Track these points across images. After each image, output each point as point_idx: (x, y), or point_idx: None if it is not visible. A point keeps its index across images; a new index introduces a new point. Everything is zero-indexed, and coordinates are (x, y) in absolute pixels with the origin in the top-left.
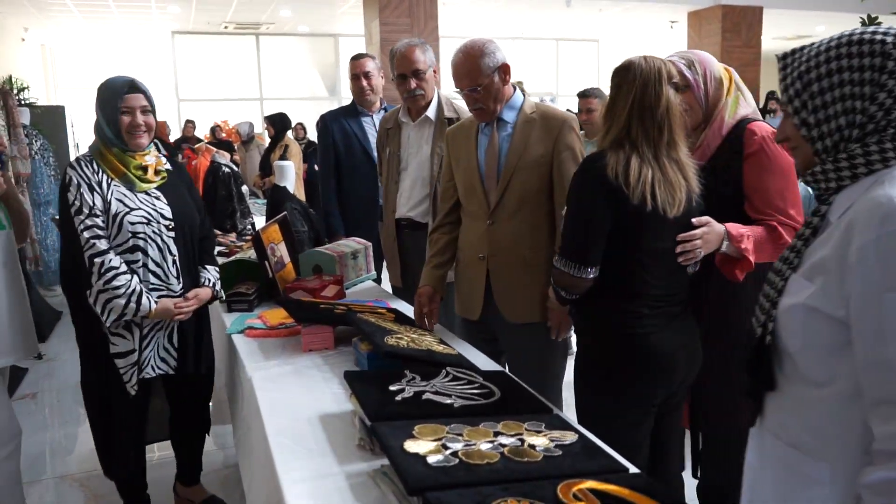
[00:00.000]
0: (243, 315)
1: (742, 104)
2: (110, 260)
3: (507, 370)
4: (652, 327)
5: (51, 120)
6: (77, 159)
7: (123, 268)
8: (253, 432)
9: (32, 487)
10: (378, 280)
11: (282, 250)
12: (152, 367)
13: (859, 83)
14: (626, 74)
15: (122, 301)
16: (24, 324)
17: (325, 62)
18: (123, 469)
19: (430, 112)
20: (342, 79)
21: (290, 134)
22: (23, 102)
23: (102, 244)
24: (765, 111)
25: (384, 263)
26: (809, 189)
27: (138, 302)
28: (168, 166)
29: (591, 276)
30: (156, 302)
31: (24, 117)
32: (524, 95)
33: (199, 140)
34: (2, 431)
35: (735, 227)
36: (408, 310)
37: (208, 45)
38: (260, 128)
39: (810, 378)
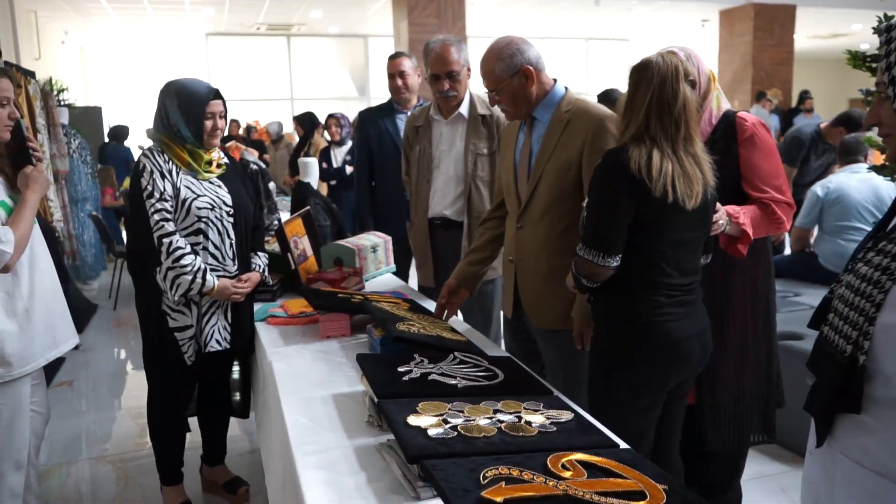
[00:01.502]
0: (266, 304)
1: (722, 98)
2: (177, 240)
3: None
4: (670, 316)
5: (88, 120)
6: (149, 149)
7: (188, 248)
8: (271, 411)
9: (71, 467)
10: (405, 278)
11: (304, 243)
12: (217, 342)
13: None
14: (644, 72)
15: (189, 277)
16: (66, 313)
17: (355, 62)
18: (168, 435)
19: (463, 109)
20: (372, 79)
21: (325, 133)
22: (62, 103)
23: (170, 226)
24: (797, 111)
25: (412, 262)
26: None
27: (203, 279)
28: (226, 160)
29: (614, 264)
30: (217, 280)
31: (63, 117)
32: (566, 90)
33: (246, 138)
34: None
35: (731, 208)
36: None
37: (241, 46)
38: (288, 127)
39: None
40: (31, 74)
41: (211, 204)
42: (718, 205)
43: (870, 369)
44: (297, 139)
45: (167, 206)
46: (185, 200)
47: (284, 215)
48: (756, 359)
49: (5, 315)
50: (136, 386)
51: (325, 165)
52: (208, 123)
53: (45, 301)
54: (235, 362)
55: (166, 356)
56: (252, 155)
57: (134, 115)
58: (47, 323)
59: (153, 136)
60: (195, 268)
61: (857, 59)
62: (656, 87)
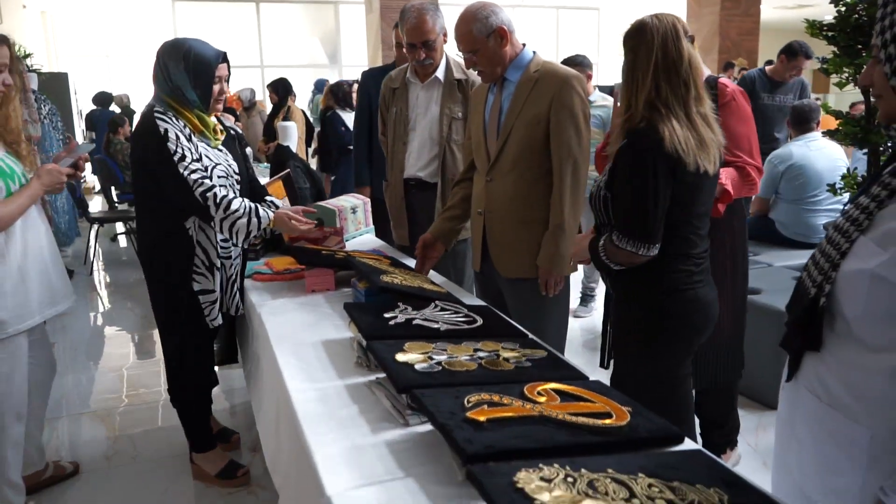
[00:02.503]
0: (251, 262)
1: (703, 64)
2: (220, 191)
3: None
4: (699, 284)
5: (55, 86)
6: (163, 113)
7: (232, 194)
8: (262, 359)
9: (57, 422)
10: (390, 240)
11: (285, 205)
12: (237, 308)
13: None
14: (641, 36)
15: (244, 220)
16: (63, 273)
17: (326, 29)
18: (192, 393)
19: (439, 73)
20: (343, 46)
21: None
22: (30, 68)
23: (208, 181)
24: None
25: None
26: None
27: (258, 216)
28: (221, 126)
29: (655, 253)
30: (271, 213)
31: (33, 82)
32: (534, 54)
33: None
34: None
35: None
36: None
37: (209, 12)
38: (261, 94)
39: (866, 343)
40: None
41: (226, 172)
42: None
43: (831, 311)
44: (268, 107)
45: (199, 166)
46: (206, 168)
47: (262, 180)
48: (741, 303)
49: None
50: (116, 347)
51: (343, 129)
52: (216, 88)
53: (40, 260)
54: None
55: (190, 321)
56: (228, 120)
57: (100, 81)
58: (44, 281)
59: (158, 97)
60: (246, 209)
61: (815, 29)
62: (659, 49)
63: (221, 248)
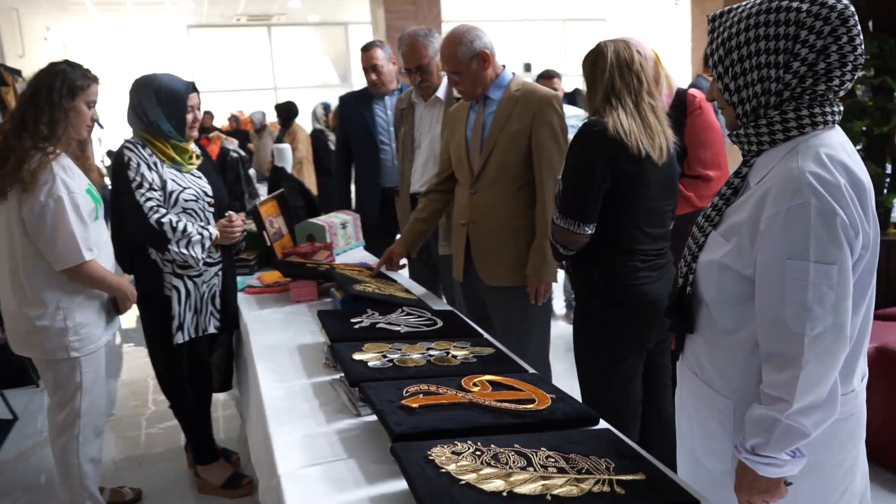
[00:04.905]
0: (245, 277)
1: (672, 77)
2: (174, 218)
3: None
4: (645, 280)
5: None
6: (130, 142)
7: (178, 218)
8: (248, 365)
9: None
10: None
11: (280, 223)
12: (214, 326)
13: (774, 52)
14: (597, 52)
15: (198, 237)
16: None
17: (336, 50)
18: (182, 406)
19: (440, 93)
20: (353, 66)
21: (297, 121)
22: None
23: (163, 209)
24: None
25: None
26: None
27: (208, 231)
28: (198, 151)
29: (589, 232)
30: (214, 230)
31: None
32: (513, 75)
33: (216, 129)
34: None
35: None
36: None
37: (222, 37)
38: (272, 116)
39: (722, 325)
40: (18, 73)
41: (196, 195)
42: None
43: (696, 298)
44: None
45: (156, 195)
46: (172, 192)
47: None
48: None
49: (93, 297)
50: (133, 360)
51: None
52: (189, 117)
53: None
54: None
55: (165, 333)
56: (232, 143)
57: (121, 109)
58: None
59: (133, 131)
60: (197, 229)
61: None
62: (613, 56)
63: (180, 269)
